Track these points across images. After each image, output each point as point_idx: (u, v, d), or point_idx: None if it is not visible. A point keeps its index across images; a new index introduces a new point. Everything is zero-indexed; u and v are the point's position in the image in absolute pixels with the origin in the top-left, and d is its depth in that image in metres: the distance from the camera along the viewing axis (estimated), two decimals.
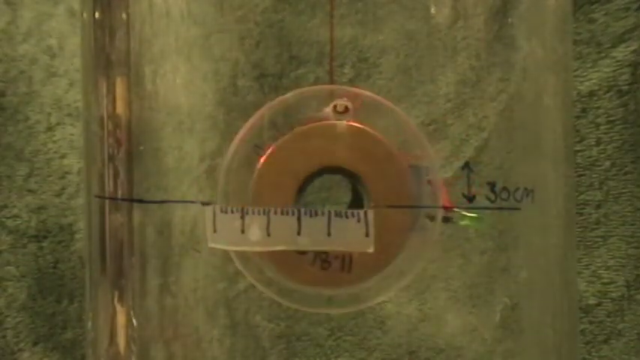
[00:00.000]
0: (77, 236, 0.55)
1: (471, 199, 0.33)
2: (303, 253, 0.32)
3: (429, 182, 0.33)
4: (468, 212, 0.33)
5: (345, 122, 0.32)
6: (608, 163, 0.54)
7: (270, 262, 0.33)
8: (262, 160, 0.33)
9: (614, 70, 0.53)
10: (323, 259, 0.32)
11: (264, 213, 0.31)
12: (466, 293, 0.43)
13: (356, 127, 0.32)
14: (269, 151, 0.33)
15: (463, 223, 0.33)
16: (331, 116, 0.33)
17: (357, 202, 0.33)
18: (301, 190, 0.33)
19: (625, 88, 0.53)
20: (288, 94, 0.35)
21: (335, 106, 0.33)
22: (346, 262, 0.32)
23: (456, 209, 0.33)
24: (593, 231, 0.54)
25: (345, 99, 0.33)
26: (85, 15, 0.40)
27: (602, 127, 0.54)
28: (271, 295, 0.36)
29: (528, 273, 0.40)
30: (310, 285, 0.33)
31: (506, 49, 0.39)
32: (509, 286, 0.41)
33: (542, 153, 0.39)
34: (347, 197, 0.35)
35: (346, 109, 0.33)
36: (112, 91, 0.39)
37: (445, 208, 0.33)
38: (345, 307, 0.36)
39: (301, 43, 0.43)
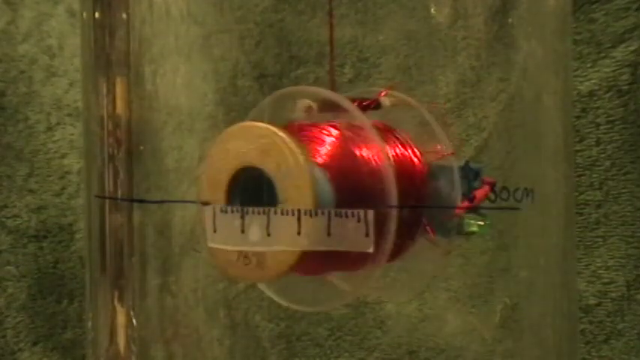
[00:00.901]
0: (77, 236, 0.55)
1: (471, 199, 0.33)
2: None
3: (483, 182, 0.33)
4: (477, 221, 0.33)
5: (254, 123, 0.33)
6: (608, 163, 0.54)
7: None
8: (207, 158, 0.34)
9: (614, 70, 0.53)
10: (245, 255, 0.33)
11: (264, 213, 0.31)
12: (466, 293, 0.43)
13: (261, 126, 0.33)
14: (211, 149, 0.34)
15: (471, 229, 0.33)
16: (301, 116, 0.34)
17: (261, 200, 0.33)
18: (230, 187, 0.33)
19: (625, 88, 0.53)
20: (268, 97, 0.35)
21: (306, 107, 0.34)
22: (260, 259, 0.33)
23: (466, 218, 0.33)
24: (593, 231, 0.54)
25: (307, 100, 0.34)
26: (85, 15, 0.40)
27: (602, 127, 0.54)
28: (271, 295, 0.36)
29: (528, 273, 0.40)
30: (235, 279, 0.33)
31: (506, 49, 0.39)
32: (509, 286, 0.42)
33: (542, 153, 0.39)
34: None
35: (309, 108, 0.34)
36: (112, 91, 0.39)
37: (445, 207, 0.33)
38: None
39: (301, 43, 0.43)
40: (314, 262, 0.33)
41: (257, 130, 0.33)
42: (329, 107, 0.33)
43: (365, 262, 0.32)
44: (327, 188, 0.32)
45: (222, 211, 0.32)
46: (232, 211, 0.32)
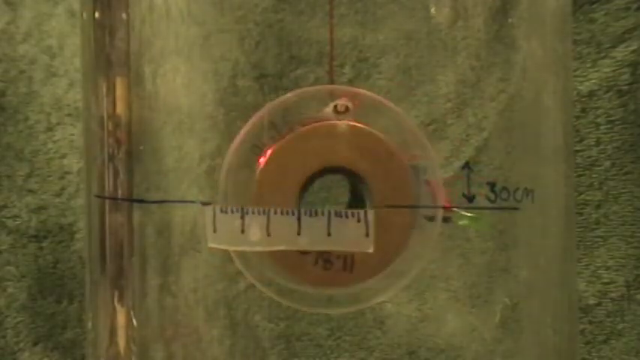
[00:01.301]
0: (77, 236, 0.55)
1: (470, 199, 0.33)
2: (305, 253, 0.32)
3: (427, 182, 0.33)
4: (467, 212, 0.33)
5: (345, 122, 0.32)
6: (608, 163, 0.54)
7: (272, 262, 0.33)
8: (264, 160, 0.33)
9: (614, 70, 0.53)
10: (325, 259, 0.32)
11: (264, 213, 0.31)
12: (466, 293, 0.43)
13: (357, 126, 0.32)
14: (270, 151, 0.33)
15: (462, 222, 0.33)
16: (332, 116, 0.33)
17: (355, 202, 0.33)
18: (303, 190, 0.33)
19: (625, 88, 0.53)
20: (288, 94, 0.35)
21: (335, 106, 0.33)
22: (348, 262, 0.32)
23: (455, 209, 0.33)
24: (593, 231, 0.54)
25: (345, 99, 0.33)
26: (85, 15, 0.40)
27: (602, 127, 0.54)
28: (271, 295, 0.36)
29: (528, 273, 0.40)
30: (313, 285, 0.33)
31: (506, 49, 0.39)
32: (509, 286, 0.41)
33: (542, 153, 0.39)
34: (346, 197, 0.35)
35: (347, 108, 0.33)
36: (112, 91, 0.39)
37: (445, 208, 0.33)
38: (345, 306, 0.36)
39: (301, 43, 0.43)
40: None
41: (344, 130, 0.32)
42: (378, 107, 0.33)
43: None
44: None
45: (222, 211, 0.32)
46: (232, 211, 0.32)
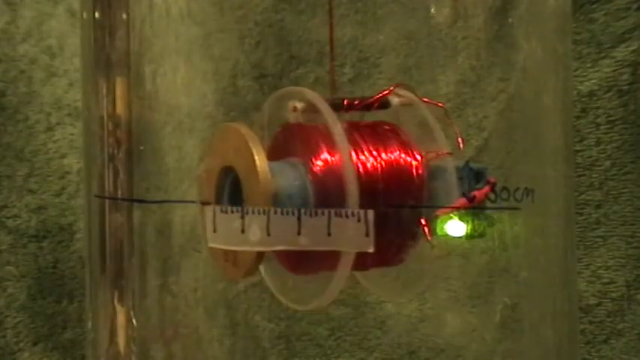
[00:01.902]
0: (77, 236, 0.55)
1: (471, 199, 0.33)
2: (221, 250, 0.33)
3: (488, 182, 0.33)
4: (482, 221, 0.34)
5: (229, 123, 0.34)
6: (608, 163, 0.54)
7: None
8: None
9: (614, 70, 0.53)
10: (226, 253, 0.33)
11: (264, 213, 0.31)
12: (466, 293, 0.43)
13: (232, 127, 0.33)
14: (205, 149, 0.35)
15: (481, 228, 0.34)
16: (290, 116, 0.34)
17: (235, 199, 0.34)
18: (218, 186, 0.34)
19: (625, 88, 0.53)
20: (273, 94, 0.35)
21: (294, 107, 0.34)
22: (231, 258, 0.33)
23: (454, 209, 0.33)
24: (593, 231, 0.54)
25: (296, 101, 0.34)
26: (85, 15, 0.40)
27: (602, 127, 0.54)
28: (273, 292, 0.36)
29: (528, 273, 0.40)
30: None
31: (506, 49, 0.39)
32: (509, 286, 0.41)
33: (542, 153, 0.39)
34: None
35: (295, 109, 0.34)
36: (112, 91, 0.39)
37: (446, 207, 0.33)
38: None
39: (301, 43, 0.43)
40: (313, 262, 0.33)
41: (231, 131, 0.33)
42: (315, 108, 0.34)
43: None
44: (296, 188, 0.32)
45: (222, 211, 0.32)
46: (232, 211, 0.32)
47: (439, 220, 0.33)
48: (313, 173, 0.33)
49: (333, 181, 0.32)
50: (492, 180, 0.33)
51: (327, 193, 0.32)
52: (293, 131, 0.34)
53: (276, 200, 0.32)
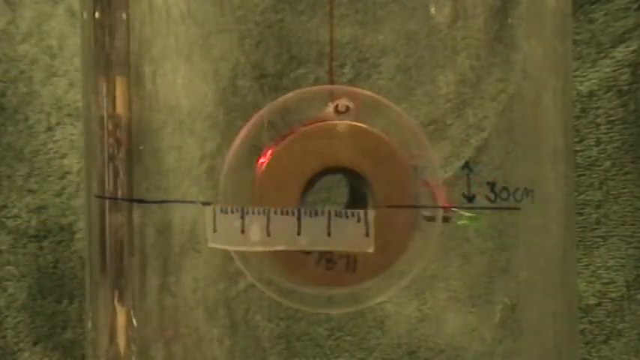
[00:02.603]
0: (77, 236, 0.55)
1: (471, 199, 0.33)
2: (307, 252, 0.32)
3: (425, 182, 0.33)
4: (466, 212, 0.33)
5: (346, 122, 0.32)
6: (608, 163, 0.54)
7: (274, 261, 0.33)
8: (265, 161, 0.33)
9: (614, 70, 0.53)
10: (328, 259, 0.32)
11: (264, 213, 0.31)
12: (466, 293, 0.43)
13: (357, 126, 0.32)
14: (271, 152, 0.33)
15: (461, 222, 0.33)
16: (332, 116, 0.33)
17: (355, 202, 0.33)
18: (305, 191, 0.33)
19: (625, 88, 0.53)
20: (289, 94, 0.35)
21: (336, 106, 0.33)
22: (351, 261, 0.32)
23: (454, 209, 0.33)
24: (593, 231, 0.54)
25: (346, 99, 0.33)
26: (85, 15, 0.40)
27: (602, 127, 0.54)
28: (271, 295, 0.36)
29: (528, 273, 0.40)
30: (315, 285, 0.33)
31: (506, 49, 0.39)
32: (509, 286, 0.41)
33: (542, 153, 0.39)
34: (345, 197, 0.35)
35: (347, 108, 0.33)
36: (112, 91, 0.39)
37: (445, 207, 0.33)
38: (345, 306, 0.36)
39: (301, 43, 0.43)
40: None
41: (346, 130, 0.32)
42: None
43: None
44: None
45: (222, 211, 0.32)
46: (232, 212, 0.32)
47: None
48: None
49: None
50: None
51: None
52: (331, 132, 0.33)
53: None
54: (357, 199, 0.33)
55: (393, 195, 0.31)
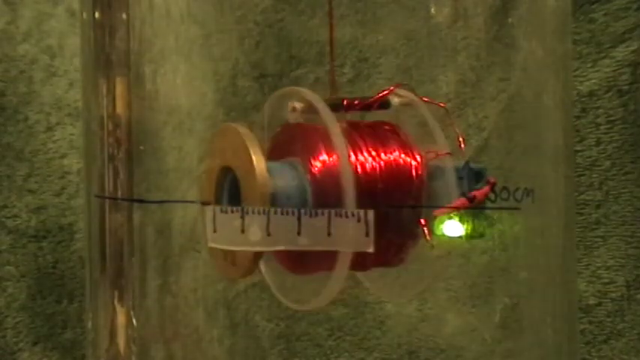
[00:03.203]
0: (77, 236, 0.55)
1: (471, 199, 0.33)
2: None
3: (488, 182, 0.33)
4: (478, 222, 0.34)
5: (229, 124, 0.34)
6: (608, 163, 0.54)
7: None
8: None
9: (614, 70, 0.53)
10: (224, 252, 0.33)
11: (264, 213, 0.31)
12: (466, 293, 0.43)
13: (231, 127, 0.33)
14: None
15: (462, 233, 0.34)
16: (290, 117, 0.34)
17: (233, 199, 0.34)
18: (219, 186, 0.34)
19: (625, 88, 0.53)
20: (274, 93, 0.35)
21: (293, 107, 0.34)
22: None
23: (454, 209, 0.33)
24: (593, 231, 0.54)
25: (295, 101, 0.34)
26: (85, 15, 0.40)
27: (602, 127, 0.54)
28: (274, 293, 0.36)
29: (528, 273, 0.40)
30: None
31: (506, 49, 0.39)
32: (509, 286, 0.41)
33: (542, 153, 0.39)
34: None
35: (294, 109, 0.34)
36: (112, 91, 0.39)
37: (445, 207, 0.33)
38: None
39: (301, 43, 0.43)
40: (312, 262, 0.33)
41: (230, 131, 0.33)
42: (314, 109, 0.34)
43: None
44: (295, 188, 0.32)
45: (222, 211, 0.32)
46: (232, 211, 0.32)
47: (437, 221, 0.33)
48: (312, 173, 0.33)
49: (331, 182, 0.32)
50: (492, 180, 0.33)
51: (326, 194, 0.32)
52: (292, 131, 0.34)
53: (275, 200, 0.32)
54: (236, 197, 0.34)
55: (249, 195, 0.32)
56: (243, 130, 0.33)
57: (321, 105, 0.33)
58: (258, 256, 0.32)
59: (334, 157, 0.32)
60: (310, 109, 0.34)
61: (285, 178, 0.33)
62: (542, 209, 0.37)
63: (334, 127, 0.32)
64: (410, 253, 0.34)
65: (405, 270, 0.35)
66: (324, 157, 0.33)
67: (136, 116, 0.39)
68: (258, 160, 0.32)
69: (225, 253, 0.33)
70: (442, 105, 0.35)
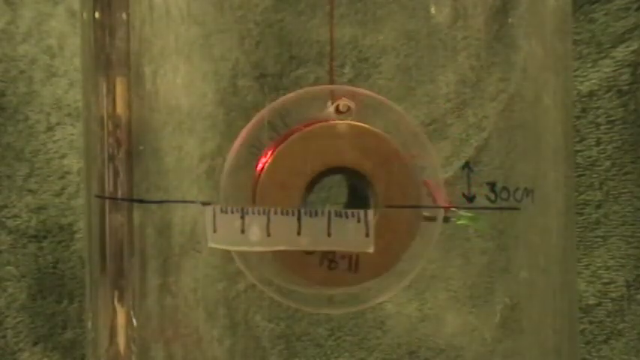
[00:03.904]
0: (77, 236, 0.55)
1: (471, 199, 0.33)
2: (309, 253, 0.32)
3: (425, 182, 0.33)
4: (466, 212, 0.33)
5: (347, 122, 0.32)
6: (608, 163, 0.54)
7: (276, 262, 0.33)
8: (266, 161, 0.33)
9: (614, 70, 0.53)
10: (330, 259, 0.32)
11: (264, 213, 0.31)
12: (466, 293, 0.43)
13: (359, 126, 0.32)
14: (273, 152, 0.33)
15: (460, 222, 0.33)
16: (333, 116, 0.33)
17: (355, 202, 0.33)
18: (307, 191, 0.33)
19: (625, 88, 0.53)
20: (289, 95, 0.35)
21: (337, 106, 0.33)
22: (353, 262, 0.32)
23: (454, 209, 0.33)
24: (593, 231, 0.54)
25: (347, 99, 0.33)
26: (85, 15, 0.40)
27: (602, 127, 0.54)
28: (273, 295, 0.36)
29: (528, 273, 0.40)
30: (317, 285, 0.33)
31: (506, 49, 0.39)
32: (509, 286, 0.41)
33: (542, 153, 0.39)
34: (344, 197, 0.35)
35: (348, 108, 0.33)
36: (112, 91, 0.39)
37: (445, 208, 0.33)
38: (346, 307, 0.36)
39: (301, 43, 0.43)
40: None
41: (348, 130, 0.32)
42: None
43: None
44: None
45: (222, 211, 0.32)
46: (232, 212, 0.32)
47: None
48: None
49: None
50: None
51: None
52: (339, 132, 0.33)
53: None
54: (357, 199, 0.33)
55: (394, 195, 0.31)
56: (378, 130, 0.32)
57: (392, 104, 0.33)
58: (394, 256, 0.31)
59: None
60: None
61: None
62: (542, 209, 0.37)
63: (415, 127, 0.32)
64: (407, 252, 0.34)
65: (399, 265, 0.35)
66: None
67: (136, 116, 0.39)
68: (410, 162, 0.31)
69: (333, 257, 0.32)
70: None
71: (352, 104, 0.33)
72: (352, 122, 0.32)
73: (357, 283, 0.33)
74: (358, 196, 0.33)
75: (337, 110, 0.33)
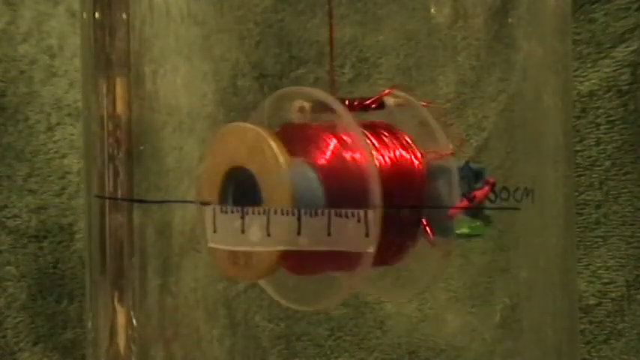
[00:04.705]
0: (77, 236, 0.55)
1: (471, 199, 0.33)
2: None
3: (487, 182, 0.33)
4: (467, 220, 0.33)
5: (241, 123, 0.33)
6: (608, 163, 0.54)
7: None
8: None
9: (614, 70, 0.53)
10: (234, 254, 0.33)
11: (264, 213, 0.31)
12: (466, 293, 0.43)
13: (249, 127, 0.33)
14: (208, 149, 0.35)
15: (460, 231, 0.33)
16: (295, 117, 0.34)
17: (246, 200, 0.33)
18: (224, 186, 0.34)
19: (625, 88, 0.53)
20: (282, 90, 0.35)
21: (298, 107, 0.34)
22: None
23: (454, 209, 0.33)
24: (593, 231, 0.54)
25: (301, 101, 0.34)
26: (85, 15, 0.40)
27: (602, 127, 0.54)
28: (271, 294, 0.36)
29: (528, 273, 0.40)
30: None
31: (506, 49, 0.39)
32: (509, 286, 0.42)
33: (542, 153, 0.39)
34: None
35: (302, 109, 0.34)
36: (112, 91, 0.39)
37: (445, 207, 0.33)
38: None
39: (301, 43, 0.43)
40: (312, 262, 0.33)
41: (245, 131, 0.33)
42: (323, 108, 0.33)
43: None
44: (314, 189, 0.32)
45: (222, 211, 0.32)
46: (232, 212, 0.32)
47: (457, 220, 0.33)
48: (325, 172, 0.32)
49: (350, 180, 0.32)
50: (491, 180, 0.33)
51: (342, 193, 0.32)
52: (297, 131, 0.34)
53: (298, 201, 0.32)
54: (249, 197, 0.33)
55: (273, 196, 0.32)
56: (262, 129, 0.32)
57: (336, 104, 0.33)
58: (280, 256, 0.32)
59: (350, 154, 0.32)
60: (318, 108, 0.33)
61: (305, 178, 0.32)
62: (542, 209, 0.37)
63: (354, 126, 0.32)
64: (409, 253, 0.34)
65: (405, 270, 0.35)
66: (344, 154, 0.32)
67: (136, 116, 0.39)
68: (285, 161, 0.32)
69: (235, 254, 0.33)
70: (435, 105, 0.35)
71: (306, 105, 0.34)
72: (245, 124, 0.33)
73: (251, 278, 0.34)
74: (251, 195, 0.33)
75: (299, 110, 0.34)
